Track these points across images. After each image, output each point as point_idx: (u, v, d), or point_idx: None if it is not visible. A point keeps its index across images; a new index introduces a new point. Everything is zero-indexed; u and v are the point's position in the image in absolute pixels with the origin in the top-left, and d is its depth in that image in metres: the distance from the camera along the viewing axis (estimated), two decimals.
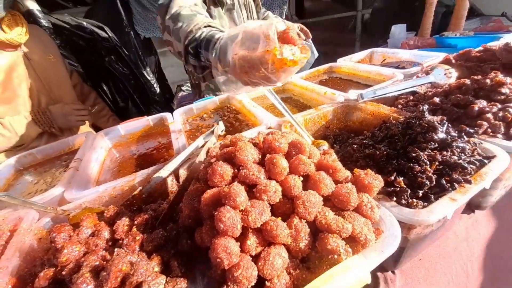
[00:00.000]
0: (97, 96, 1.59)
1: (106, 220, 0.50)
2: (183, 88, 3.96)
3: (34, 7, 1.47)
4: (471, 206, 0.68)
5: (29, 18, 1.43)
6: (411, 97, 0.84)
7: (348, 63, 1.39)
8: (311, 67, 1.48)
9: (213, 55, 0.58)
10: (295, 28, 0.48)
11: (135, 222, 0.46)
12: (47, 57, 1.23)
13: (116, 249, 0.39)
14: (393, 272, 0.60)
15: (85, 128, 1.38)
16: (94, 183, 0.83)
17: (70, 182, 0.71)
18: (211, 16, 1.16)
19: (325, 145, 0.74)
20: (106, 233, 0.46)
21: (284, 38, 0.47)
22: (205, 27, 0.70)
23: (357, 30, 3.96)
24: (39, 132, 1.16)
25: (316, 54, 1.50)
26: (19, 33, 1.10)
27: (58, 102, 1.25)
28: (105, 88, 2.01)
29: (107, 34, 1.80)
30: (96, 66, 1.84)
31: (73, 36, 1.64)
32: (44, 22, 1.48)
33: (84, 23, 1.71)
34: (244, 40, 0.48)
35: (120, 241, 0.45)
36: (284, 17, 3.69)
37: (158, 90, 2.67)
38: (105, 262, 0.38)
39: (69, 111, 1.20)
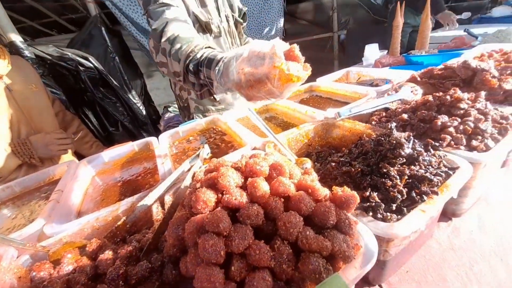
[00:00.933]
0: (80, 123, 1.57)
1: (88, 254, 0.49)
2: (169, 109, 3.98)
3: (17, 38, 1.48)
4: (447, 214, 0.72)
5: (12, 49, 1.43)
6: (384, 114, 0.91)
7: (326, 83, 1.48)
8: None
9: (217, 72, 0.62)
10: (297, 47, 0.53)
11: (119, 255, 0.46)
12: (29, 87, 1.23)
13: (98, 286, 0.38)
14: (380, 286, 0.61)
15: (67, 156, 1.35)
16: (76, 215, 0.80)
17: (50, 216, 0.69)
18: None
19: (308, 163, 0.77)
20: (88, 269, 0.45)
21: (289, 56, 0.52)
22: (206, 48, 0.74)
23: (335, 49, 4.21)
24: (19, 164, 1.12)
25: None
26: (1, 66, 1.10)
27: (39, 132, 1.23)
28: (90, 114, 1.99)
29: (92, 63, 1.82)
30: (81, 94, 1.84)
31: (56, 66, 1.66)
32: (27, 53, 1.49)
33: (69, 53, 1.74)
34: (250, 57, 0.52)
35: (104, 276, 0.44)
36: (281, 32, 3.91)
37: (144, 112, 2.68)
38: None
39: (50, 141, 1.18)
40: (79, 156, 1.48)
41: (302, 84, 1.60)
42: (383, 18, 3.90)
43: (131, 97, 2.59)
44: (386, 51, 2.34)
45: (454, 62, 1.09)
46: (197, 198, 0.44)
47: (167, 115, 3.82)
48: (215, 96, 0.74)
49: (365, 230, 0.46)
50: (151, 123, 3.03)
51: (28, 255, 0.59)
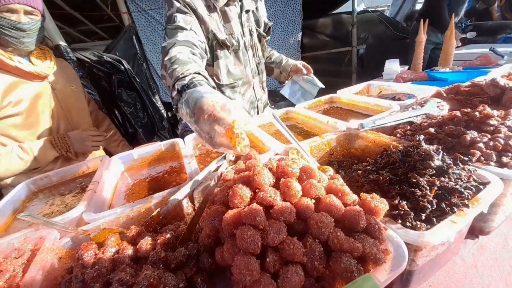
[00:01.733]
0: (110, 122, 1.67)
1: (128, 239, 0.53)
2: None
3: (61, 42, 1.62)
4: (475, 231, 0.71)
5: (56, 52, 1.58)
6: (409, 127, 0.91)
7: (348, 95, 1.50)
8: (316, 97, 1.59)
9: (185, 98, 0.66)
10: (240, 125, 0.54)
11: (158, 241, 0.49)
12: (70, 87, 1.34)
13: (144, 265, 0.41)
14: None
15: (99, 152, 1.44)
16: (108, 205, 0.86)
17: (89, 204, 0.74)
18: (217, 57, 1.30)
19: (330, 171, 0.79)
20: (129, 252, 0.49)
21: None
22: (194, 73, 0.81)
23: (353, 63, 4.23)
24: (56, 156, 1.21)
25: (321, 85, 1.62)
26: (47, 66, 1.21)
27: (76, 128, 1.33)
28: (117, 115, 2.12)
29: (124, 67, 1.96)
30: (111, 95, 1.96)
31: (94, 69, 1.79)
32: (69, 56, 1.63)
33: (104, 57, 1.88)
34: (207, 113, 0.55)
35: (143, 260, 0.48)
36: (299, 45, 4.02)
37: (165, 116, 2.79)
38: (133, 278, 0.40)
39: (86, 137, 1.27)
40: (107, 152, 1.57)
41: (320, 95, 1.62)
42: (403, 34, 3.91)
43: (154, 101, 2.73)
44: (406, 67, 2.34)
45: (481, 79, 1.09)
46: (235, 193, 0.47)
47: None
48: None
49: (395, 236, 0.47)
50: (170, 127, 3.14)
51: (69, 238, 0.64)
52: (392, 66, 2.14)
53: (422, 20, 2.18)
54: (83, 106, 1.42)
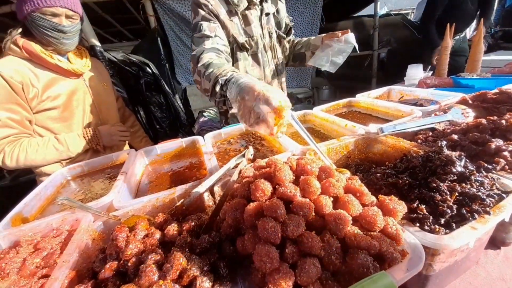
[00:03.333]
0: (135, 119, 1.77)
1: (156, 225, 0.58)
2: (204, 114, 4.23)
3: (96, 43, 1.75)
4: (496, 242, 0.69)
5: (91, 52, 1.70)
6: (430, 133, 0.90)
7: (367, 99, 1.49)
8: (333, 100, 1.57)
9: (229, 90, 0.79)
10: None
11: (184, 228, 0.53)
12: (101, 84, 1.44)
13: (173, 248, 0.45)
14: None
15: (125, 147, 1.54)
16: (134, 195, 0.92)
17: (118, 192, 0.81)
18: (237, 59, 1.37)
19: (347, 174, 0.80)
20: (157, 236, 0.53)
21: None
22: (232, 71, 0.90)
23: (374, 67, 4.15)
24: (86, 148, 1.31)
25: (355, 43, 1.39)
26: (83, 65, 1.31)
27: (105, 123, 1.43)
28: (142, 113, 2.24)
29: (151, 69, 2.08)
30: (137, 94, 2.08)
31: (123, 69, 1.91)
32: (102, 55, 1.75)
33: (133, 59, 2.00)
34: (252, 96, 0.63)
35: (170, 244, 0.52)
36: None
37: (185, 116, 2.89)
38: (163, 258, 0.44)
39: (114, 132, 1.36)
40: (131, 147, 1.66)
41: (337, 99, 1.62)
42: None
43: (175, 101, 2.84)
44: (431, 73, 2.27)
45: (510, 87, 1.05)
46: (257, 187, 0.50)
47: (201, 119, 4.06)
48: (228, 108, 0.91)
49: (412, 238, 0.48)
50: (188, 125, 3.25)
51: (101, 222, 0.70)
52: (415, 71, 2.09)
53: (448, 24, 2.11)
54: (113, 103, 1.52)
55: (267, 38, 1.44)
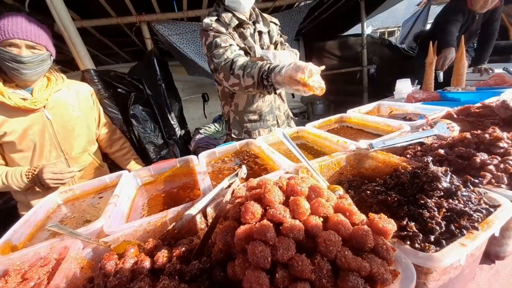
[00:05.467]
0: (124, 142, 1.76)
1: (146, 251, 0.57)
2: (200, 131, 4.25)
3: (91, 66, 1.80)
4: (491, 256, 0.68)
5: (86, 75, 1.74)
6: (419, 148, 0.92)
7: (358, 115, 1.53)
8: (326, 116, 1.62)
9: (277, 71, 1.13)
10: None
11: (174, 254, 0.52)
12: (72, 114, 1.42)
13: (161, 276, 0.44)
14: None
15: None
16: (126, 219, 0.91)
17: (109, 216, 0.79)
18: None
19: (340, 190, 0.80)
20: (147, 263, 0.52)
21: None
22: (266, 63, 1.23)
23: (364, 82, 4.28)
24: (28, 186, 1.29)
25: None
26: (45, 98, 1.28)
27: (68, 154, 1.42)
28: (135, 131, 2.25)
29: (143, 86, 2.12)
30: (128, 113, 2.11)
31: (118, 89, 1.95)
32: (97, 79, 1.79)
33: (126, 77, 2.04)
34: (293, 68, 1.04)
35: (159, 271, 0.51)
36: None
37: (179, 133, 2.91)
38: None
39: (47, 174, 1.26)
40: (120, 169, 1.65)
41: (330, 114, 1.74)
42: (413, 53, 3.96)
43: (169, 119, 2.87)
44: (419, 86, 2.35)
45: (492, 101, 1.09)
46: (247, 210, 0.50)
47: (197, 136, 4.08)
48: (276, 90, 1.27)
49: (403, 258, 0.47)
50: (183, 143, 3.26)
51: (90, 249, 0.68)
52: (403, 85, 2.17)
53: (431, 42, 2.22)
54: (84, 133, 1.50)
55: (260, 52, 1.55)
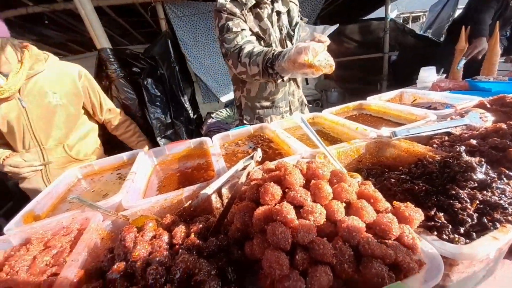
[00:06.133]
0: (129, 124, 1.73)
1: (164, 226, 0.57)
2: (212, 115, 4.25)
3: (107, 45, 1.79)
4: None
5: (102, 54, 1.73)
6: (446, 138, 0.87)
7: (378, 102, 1.45)
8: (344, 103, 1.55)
9: (281, 59, 1.06)
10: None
11: (191, 230, 0.52)
12: (51, 100, 1.31)
13: (180, 250, 0.45)
14: None
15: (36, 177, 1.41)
16: (142, 195, 0.92)
17: (127, 192, 0.81)
18: None
19: (358, 178, 0.77)
20: (165, 238, 0.53)
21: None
22: (271, 50, 1.16)
23: (384, 70, 4.08)
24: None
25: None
26: (15, 85, 1.19)
27: (44, 143, 1.36)
28: (151, 110, 2.26)
29: (156, 64, 2.10)
30: (145, 92, 2.11)
31: (133, 68, 1.94)
32: (113, 57, 1.79)
33: (140, 55, 2.03)
34: (296, 51, 0.97)
35: (177, 246, 0.51)
36: None
37: (193, 115, 2.91)
38: (170, 261, 0.44)
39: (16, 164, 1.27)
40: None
41: (347, 102, 1.66)
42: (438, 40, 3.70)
43: (183, 102, 2.87)
44: (444, 75, 2.20)
45: None
46: (266, 191, 0.49)
47: (209, 121, 4.09)
48: (283, 78, 1.19)
49: (430, 248, 0.45)
50: (196, 126, 3.27)
51: (110, 221, 0.70)
52: (428, 74, 2.04)
53: (463, 27, 2.05)
54: (62, 123, 1.39)
55: (277, 33, 1.49)
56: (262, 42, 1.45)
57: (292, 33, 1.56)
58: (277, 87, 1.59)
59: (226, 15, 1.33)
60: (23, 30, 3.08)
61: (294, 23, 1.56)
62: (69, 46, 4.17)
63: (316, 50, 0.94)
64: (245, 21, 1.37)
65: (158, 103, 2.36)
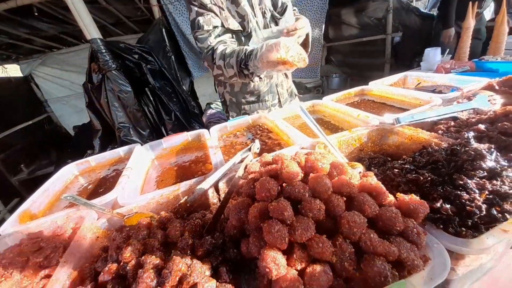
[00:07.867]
0: None
1: (158, 224, 0.56)
2: (212, 106, 4.19)
3: (97, 36, 1.71)
4: None
5: (92, 45, 1.67)
6: (452, 123, 0.82)
7: (381, 87, 1.40)
8: (345, 89, 1.49)
9: (253, 58, 1.02)
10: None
11: (186, 228, 0.51)
12: None
13: (173, 251, 0.43)
14: None
15: None
16: (140, 191, 0.91)
17: (123, 188, 0.79)
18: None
19: (359, 167, 0.74)
20: (159, 236, 0.51)
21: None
22: (243, 49, 1.09)
23: (386, 53, 3.94)
24: None
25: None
26: None
27: None
28: (150, 104, 2.22)
29: (153, 58, 2.03)
30: (143, 86, 2.05)
31: (126, 60, 1.88)
32: (105, 49, 1.72)
33: (135, 49, 1.96)
34: (267, 49, 0.93)
35: (171, 245, 0.50)
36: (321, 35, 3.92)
37: (194, 105, 2.86)
38: (163, 262, 0.42)
39: None
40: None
41: (348, 87, 1.59)
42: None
43: (180, 92, 2.81)
44: (450, 56, 2.12)
45: None
46: (262, 186, 0.46)
47: (209, 111, 4.03)
48: (260, 76, 1.16)
49: (435, 243, 0.43)
50: (196, 116, 3.23)
51: (105, 219, 0.69)
52: (433, 55, 1.95)
53: (470, 3, 1.94)
54: None
55: (259, 17, 1.36)
56: (240, 34, 1.34)
57: (278, 15, 1.43)
58: (262, 80, 1.49)
59: (196, 9, 1.22)
60: (14, 23, 2.99)
61: (279, 4, 1.42)
62: (63, 39, 4.07)
63: (287, 46, 0.89)
64: (218, 13, 1.25)
65: (154, 95, 2.31)
